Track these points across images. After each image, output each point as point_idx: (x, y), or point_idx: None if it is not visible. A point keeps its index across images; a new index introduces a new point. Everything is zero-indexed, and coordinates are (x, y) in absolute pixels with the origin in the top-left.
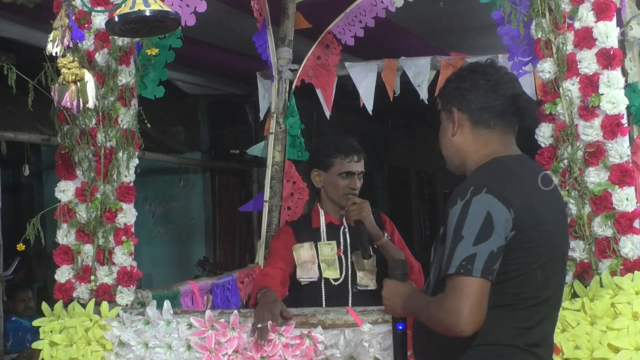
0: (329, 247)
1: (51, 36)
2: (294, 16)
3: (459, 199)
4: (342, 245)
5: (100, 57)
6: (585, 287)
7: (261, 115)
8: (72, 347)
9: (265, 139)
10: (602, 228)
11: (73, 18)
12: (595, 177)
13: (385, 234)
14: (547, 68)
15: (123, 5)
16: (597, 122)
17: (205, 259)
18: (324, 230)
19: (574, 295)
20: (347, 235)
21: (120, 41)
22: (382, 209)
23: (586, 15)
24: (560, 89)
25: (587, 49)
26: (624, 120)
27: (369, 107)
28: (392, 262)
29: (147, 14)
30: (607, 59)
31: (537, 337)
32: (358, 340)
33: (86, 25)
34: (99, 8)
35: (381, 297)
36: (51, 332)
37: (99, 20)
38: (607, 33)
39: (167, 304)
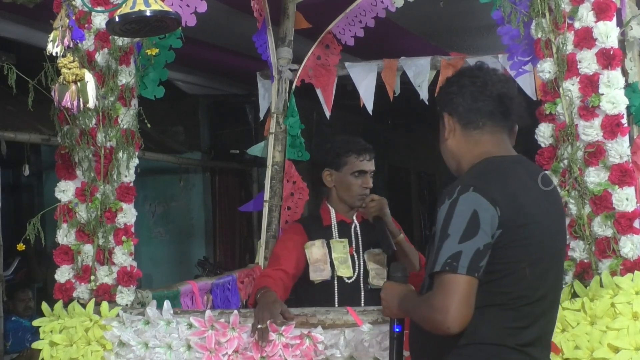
0: (341, 244)
1: (51, 36)
2: (294, 16)
3: (446, 198)
4: (353, 243)
5: (100, 57)
6: (585, 287)
7: (261, 115)
8: (72, 347)
9: (265, 139)
10: (602, 228)
11: (73, 18)
12: (595, 177)
13: (401, 232)
14: (547, 68)
15: (123, 5)
16: (597, 122)
17: (205, 259)
18: (336, 228)
19: (574, 295)
20: (359, 233)
21: (120, 41)
22: None
23: (586, 15)
24: (560, 89)
25: (587, 49)
26: (624, 120)
27: (369, 107)
28: (393, 264)
29: (148, 14)
30: (607, 59)
31: (531, 337)
32: (358, 340)
33: (86, 25)
34: (99, 8)
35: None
36: (51, 332)
37: (99, 20)
38: (607, 33)
39: (167, 304)
